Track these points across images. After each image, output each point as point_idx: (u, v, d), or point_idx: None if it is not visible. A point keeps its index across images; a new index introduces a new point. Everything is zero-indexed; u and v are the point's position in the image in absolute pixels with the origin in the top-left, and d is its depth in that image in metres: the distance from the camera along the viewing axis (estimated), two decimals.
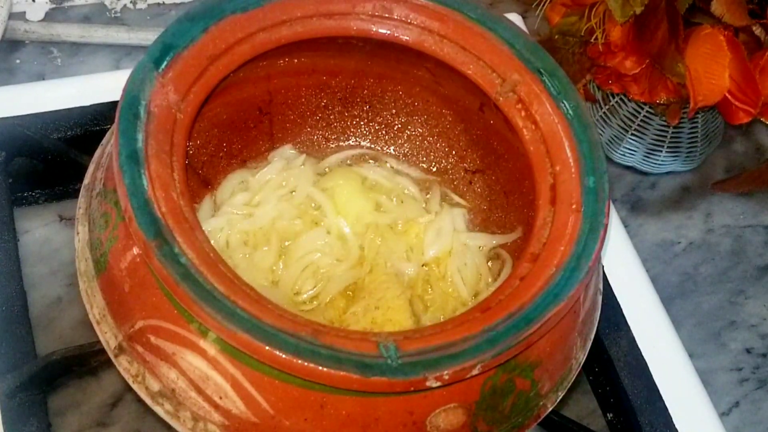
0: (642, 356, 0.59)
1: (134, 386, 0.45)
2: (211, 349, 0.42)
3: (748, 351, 0.68)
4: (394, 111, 0.61)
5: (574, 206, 0.48)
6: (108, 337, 0.46)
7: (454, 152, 0.61)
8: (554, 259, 0.46)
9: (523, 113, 0.52)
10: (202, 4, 0.50)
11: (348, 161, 0.62)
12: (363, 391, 0.41)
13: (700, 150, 0.72)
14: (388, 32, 0.54)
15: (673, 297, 0.69)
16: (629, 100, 0.69)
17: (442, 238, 0.57)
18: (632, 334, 0.60)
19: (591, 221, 0.47)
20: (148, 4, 0.76)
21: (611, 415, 0.60)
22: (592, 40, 0.62)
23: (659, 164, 0.72)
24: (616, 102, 0.70)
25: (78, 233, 0.49)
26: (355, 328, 0.52)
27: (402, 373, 0.40)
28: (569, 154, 0.49)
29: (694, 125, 0.69)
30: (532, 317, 0.43)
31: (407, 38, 0.54)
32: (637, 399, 0.58)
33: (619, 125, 0.70)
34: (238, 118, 0.58)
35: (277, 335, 0.40)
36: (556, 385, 0.48)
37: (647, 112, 0.68)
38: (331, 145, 0.62)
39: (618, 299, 0.61)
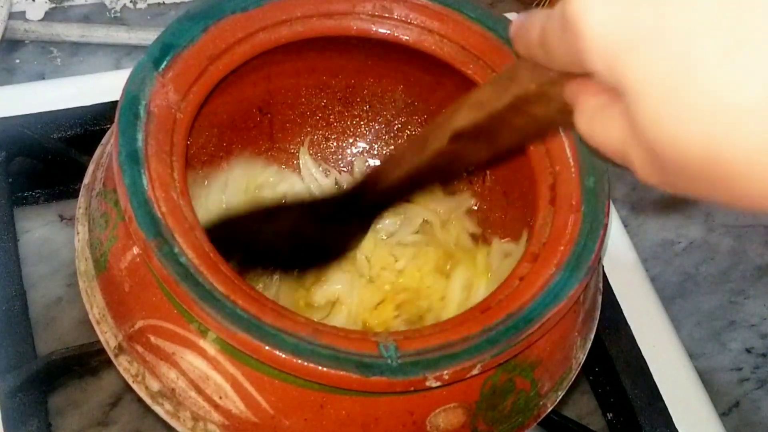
0: (642, 356, 0.59)
1: (134, 386, 0.45)
2: (211, 349, 0.42)
3: (748, 351, 0.68)
4: (394, 111, 0.61)
5: (574, 206, 0.48)
6: (108, 337, 0.46)
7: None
8: (554, 259, 0.46)
9: None
10: (202, 3, 0.50)
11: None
12: (363, 391, 0.41)
13: None
14: (388, 32, 0.54)
15: (673, 297, 0.69)
16: None
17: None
18: (632, 334, 0.60)
19: (591, 221, 0.47)
20: (148, 4, 0.76)
21: (611, 415, 0.60)
22: None
23: None
24: None
25: (78, 233, 0.49)
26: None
27: (402, 373, 0.40)
28: (569, 154, 0.49)
29: None
30: (532, 317, 0.43)
31: (407, 38, 0.54)
32: (637, 399, 0.58)
33: None
34: (238, 118, 0.58)
35: (277, 335, 0.40)
36: (556, 384, 0.48)
37: None
38: (331, 145, 0.62)
39: (618, 299, 0.61)
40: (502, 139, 0.39)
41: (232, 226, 0.49)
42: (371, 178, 0.48)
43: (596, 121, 0.31)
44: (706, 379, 0.61)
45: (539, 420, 0.48)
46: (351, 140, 0.62)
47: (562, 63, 0.31)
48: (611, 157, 0.31)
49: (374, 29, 0.54)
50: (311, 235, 0.51)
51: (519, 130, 0.38)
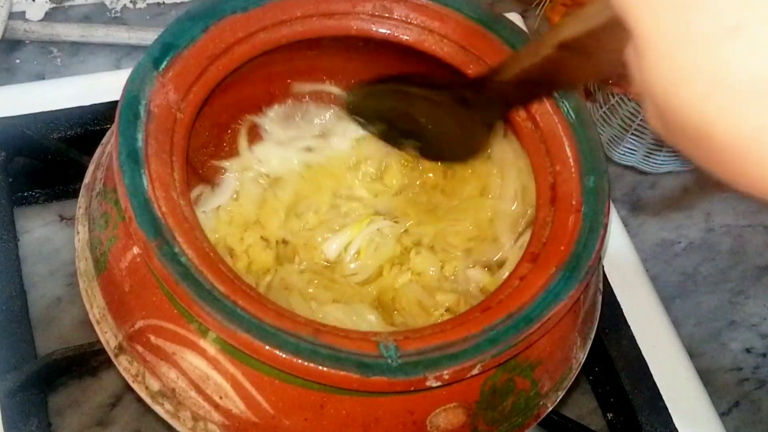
0: (642, 356, 0.59)
1: (134, 386, 0.45)
2: (211, 349, 0.42)
3: (748, 351, 0.68)
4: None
5: (574, 206, 0.48)
6: (108, 336, 0.46)
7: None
8: (554, 259, 0.46)
9: (523, 113, 0.52)
10: (202, 3, 0.50)
11: None
12: (363, 391, 0.41)
13: None
14: (388, 32, 0.54)
15: (673, 297, 0.69)
16: (629, 100, 0.69)
17: None
18: (632, 334, 0.60)
19: (591, 221, 0.47)
20: (148, 4, 0.76)
21: (611, 415, 0.60)
22: None
23: (659, 164, 0.72)
24: (616, 102, 0.70)
25: (78, 233, 0.49)
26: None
27: (402, 372, 0.40)
28: (569, 154, 0.49)
29: None
30: (532, 317, 0.43)
31: (407, 38, 0.54)
32: (637, 399, 0.58)
33: (619, 125, 0.70)
34: (238, 118, 0.58)
35: (277, 335, 0.40)
36: (556, 384, 0.48)
37: None
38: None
39: (618, 299, 0.61)
40: (600, 59, 0.40)
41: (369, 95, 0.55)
42: (492, 71, 0.49)
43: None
44: (706, 379, 0.61)
45: (539, 420, 0.48)
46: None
47: None
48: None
49: (374, 29, 0.54)
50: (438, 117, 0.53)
51: (616, 52, 0.38)
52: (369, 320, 0.52)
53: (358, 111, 0.57)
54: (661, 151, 0.71)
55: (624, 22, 0.29)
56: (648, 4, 0.27)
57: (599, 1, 0.39)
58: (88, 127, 0.62)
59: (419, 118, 0.53)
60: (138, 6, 0.75)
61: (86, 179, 0.51)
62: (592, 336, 0.52)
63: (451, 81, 0.53)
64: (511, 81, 0.47)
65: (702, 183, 0.75)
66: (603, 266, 0.58)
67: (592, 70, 0.43)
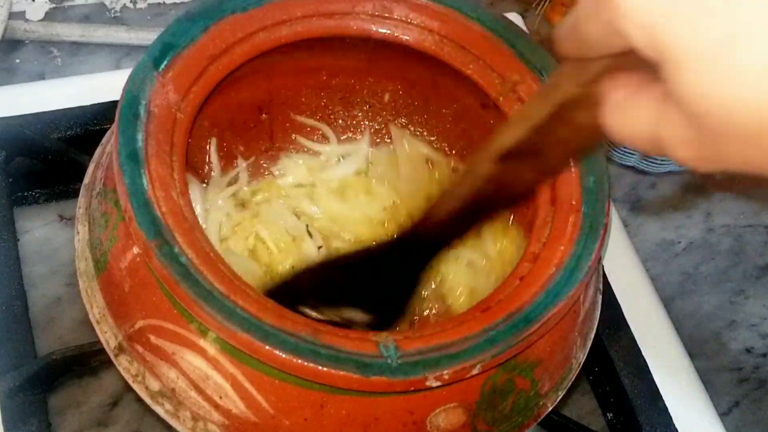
0: (642, 356, 0.59)
1: (134, 386, 0.45)
2: (211, 349, 0.42)
3: (748, 351, 0.68)
4: (394, 111, 0.61)
5: (574, 206, 0.48)
6: (108, 336, 0.46)
7: (454, 152, 0.61)
8: (554, 258, 0.46)
9: None
10: (202, 3, 0.50)
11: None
12: (363, 391, 0.41)
13: None
14: (388, 32, 0.54)
15: (673, 297, 0.69)
16: None
17: None
18: (632, 334, 0.60)
19: (591, 221, 0.47)
20: (148, 4, 0.76)
21: (611, 415, 0.60)
22: None
23: (659, 164, 0.72)
24: None
25: (78, 233, 0.49)
26: None
27: (402, 372, 0.40)
28: None
29: None
30: (532, 317, 0.43)
31: (407, 38, 0.54)
32: (637, 399, 0.58)
33: None
34: (238, 118, 0.58)
35: (277, 335, 0.40)
36: (556, 384, 0.48)
37: None
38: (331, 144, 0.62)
39: (618, 299, 0.61)
40: (549, 155, 0.38)
41: (292, 284, 0.51)
42: (423, 219, 0.46)
43: (623, 110, 0.30)
44: (706, 379, 0.61)
45: (539, 420, 0.48)
46: (350, 140, 0.62)
47: (597, 44, 0.30)
48: (640, 145, 0.30)
49: (374, 29, 0.54)
50: (367, 287, 0.50)
51: (564, 144, 0.37)
52: None
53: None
54: None
55: (645, 51, 0.28)
56: (683, 22, 0.26)
57: (541, 94, 0.36)
58: (88, 127, 0.62)
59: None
60: (138, 6, 0.75)
61: (86, 179, 0.51)
62: (592, 336, 0.52)
63: (372, 254, 0.51)
64: (447, 218, 0.44)
65: (702, 183, 0.75)
66: (603, 266, 0.58)
67: (542, 169, 0.40)
